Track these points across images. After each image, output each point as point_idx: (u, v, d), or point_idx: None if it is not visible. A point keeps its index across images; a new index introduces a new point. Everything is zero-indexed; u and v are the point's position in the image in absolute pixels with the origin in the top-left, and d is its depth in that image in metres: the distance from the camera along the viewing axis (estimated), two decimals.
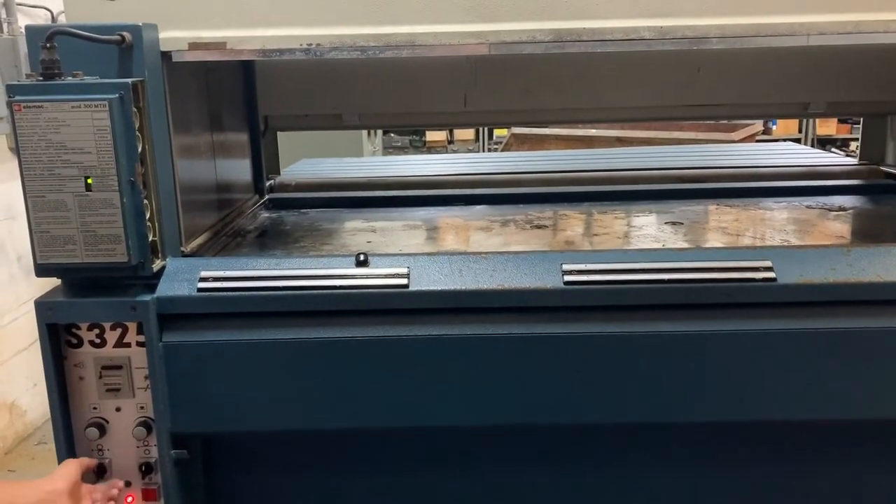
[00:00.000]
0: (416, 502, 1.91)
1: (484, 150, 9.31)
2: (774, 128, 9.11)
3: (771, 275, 1.67)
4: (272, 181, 2.71)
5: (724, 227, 2.29)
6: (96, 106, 1.53)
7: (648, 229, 2.30)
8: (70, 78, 1.57)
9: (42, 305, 1.67)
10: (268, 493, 1.90)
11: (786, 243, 2.05)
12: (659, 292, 1.68)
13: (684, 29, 1.70)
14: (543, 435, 1.86)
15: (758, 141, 6.48)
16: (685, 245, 2.06)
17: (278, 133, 2.86)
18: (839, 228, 2.25)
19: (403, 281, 1.69)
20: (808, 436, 1.85)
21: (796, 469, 1.86)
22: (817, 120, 9.00)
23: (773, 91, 2.59)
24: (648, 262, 1.72)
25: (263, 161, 2.60)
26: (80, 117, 1.54)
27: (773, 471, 1.86)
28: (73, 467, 1.63)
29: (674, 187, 2.63)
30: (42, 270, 1.64)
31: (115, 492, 1.70)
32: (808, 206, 2.46)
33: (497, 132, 9.22)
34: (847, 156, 3.39)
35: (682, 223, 2.29)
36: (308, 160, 3.49)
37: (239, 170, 2.46)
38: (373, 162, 4.30)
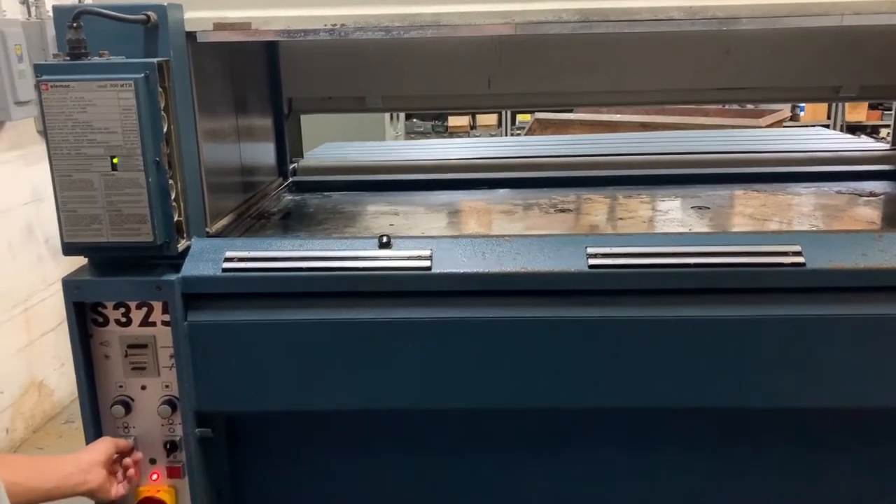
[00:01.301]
0: (435, 483, 1.91)
1: (506, 136, 9.25)
2: (802, 114, 8.97)
3: (800, 259, 1.64)
4: (296, 164, 2.72)
5: (751, 212, 2.25)
6: (122, 85, 1.54)
7: (674, 214, 2.27)
8: (96, 58, 1.58)
9: (69, 284, 1.69)
10: (290, 472, 1.92)
11: (815, 228, 2.02)
12: (685, 276, 1.66)
13: (714, 9, 1.67)
14: (565, 418, 1.85)
15: (785, 127, 6.38)
16: (712, 229, 2.03)
17: (301, 117, 2.85)
18: (870, 214, 2.21)
19: (426, 263, 1.69)
20: (837, 423, 1.82)
21: (824, 456, 1.84)
22: (847, 106, 8.84)
23: (804, 74, 2.54)
24: (674, 245, 1.70)
25: (287, 144, 2.60)
26: (107, 97, 1.55)
27: (801, 457, 1.84)
28: (109, 443, 1.68)
29: (700, 172, 2.59)
30: (69, 249, 1.66)
31: (128, 461, 1.73)
32: (837, 192, 2.42)
33: (520, 117, 9.16)
34: (878, 142, 3.32)
35: (709, 208, 2.26)
36: (331, 144, 3.48)
37: (263, 152, 2.47)
38: (395, 146, 4.30)
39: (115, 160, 1.58)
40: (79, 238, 1.63)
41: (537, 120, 6.14)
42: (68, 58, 1.57)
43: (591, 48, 2.49)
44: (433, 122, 9.47)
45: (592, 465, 1.88)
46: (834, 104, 8.83)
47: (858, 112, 9.05)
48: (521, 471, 1.89)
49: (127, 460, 1.72)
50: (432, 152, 3.20)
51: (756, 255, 1.66)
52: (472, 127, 9.56)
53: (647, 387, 1.70)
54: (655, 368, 1.69)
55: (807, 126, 7.85)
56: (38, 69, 1.56)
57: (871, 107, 8.98)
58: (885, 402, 1.69)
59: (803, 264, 1.64)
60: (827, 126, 8.69)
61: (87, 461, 1.61)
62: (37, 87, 1.56)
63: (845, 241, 1.69)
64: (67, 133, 1.57)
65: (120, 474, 1.71)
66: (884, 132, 8.27)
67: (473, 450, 1.89)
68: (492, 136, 9.27)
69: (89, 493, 1.63)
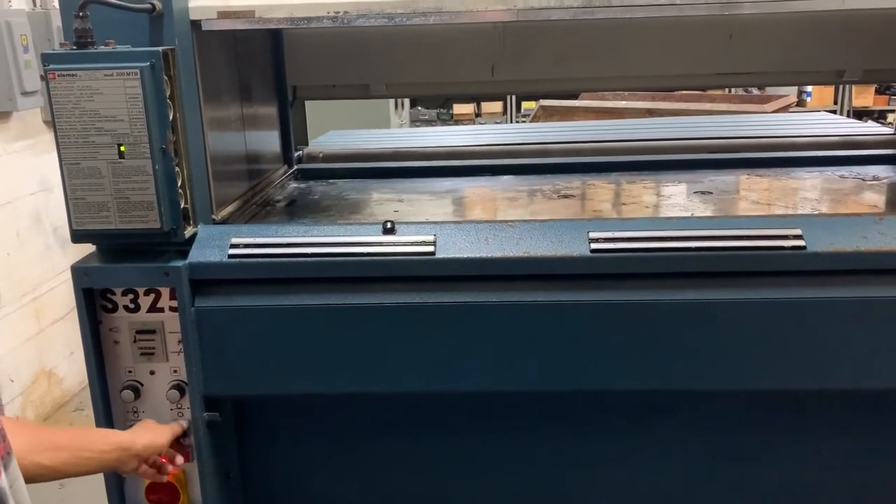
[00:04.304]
0: (439, 466, 1.94)
1: (511, 123, 9.24)
2: (809, 99, 8.92)
3: (801, 243, 1.65)
4: (300, 152, 2.73)
5: (754, 196, 2.26)
6: (128, 74, 1.56)
7: (677, 199, 2.28)
8: (102, 47, 1.59)
9: (78, 270, 1.71)
10: (298, 455, 1.95)
11: (817, 212, 2.02)
12: (687, 260, 1.67)
13: None
14: (567, 402, 1.87)
15: (791, 112, 6.35)
16: (714, 214, 2.04)
17: (306, 105, 2.86)
18: (873, 198, 2.21)
19: (430, 248, 1.71)
20: (838, 405, 1.84)
21: (824, 437, 1.86)
22: (854, 91, 8.78)
23: (808, 58, 2.53)
24: (676, 229, 1.71)
25: (292, 132, 2.61)
26: (113, 85, 1.56)
27: (801, 439, 1.86)
28: (166, 440, 1.69)
29: (704, 157, 2.59)
30: (77, 236, 1.68)
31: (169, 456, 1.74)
32: (841, 176, 2.42)
33: (525, 105, 9.14)
34: (884, 127, 3.31)
35: (712, 193, 2.27)
36: (336, 132, 3.50)
37: (268, 140, 2.48)
38: (400, 133, 4.30)
39: (122, 148, 1.60)
40: (87, 225, 1.65)
41: (542, 107, 6.13)
42: (75, 47, 1.58)
43: (595, 34, 2.49)
44: (438, 110, 9.47)
45: (593, 448, 1.90)
46: (840, 89, 8.77)
47: (865, 97, 8.99)
48: (521, 454, 1.91)
49: (179, 456, 1.74)
50: (437, 140, 3.21)
51: (757, 238, 1.67)
52: (478, 114, 9.56)
53: (650, 370, 1.72)
54: (657, 352, 1.70)
55: (812, 111, 7.81)
56: (46, 58, 1.58)
57: (878, 91, 8.93)
58: (887, 383, 1.71)
59: (804, 247, 1.65)
60: (834, 111, 8.64)
61: (134, 451, 1.60)
62: (44, 76, 1.57)
63: (846, 224, 1.70)
64: (75, 121, 1.59)
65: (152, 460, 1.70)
66: (891, 117, 8.23)
67: (478, 433, 1.91)
68: (497, 123, 9.25)
69: (120, 472, 1.67)
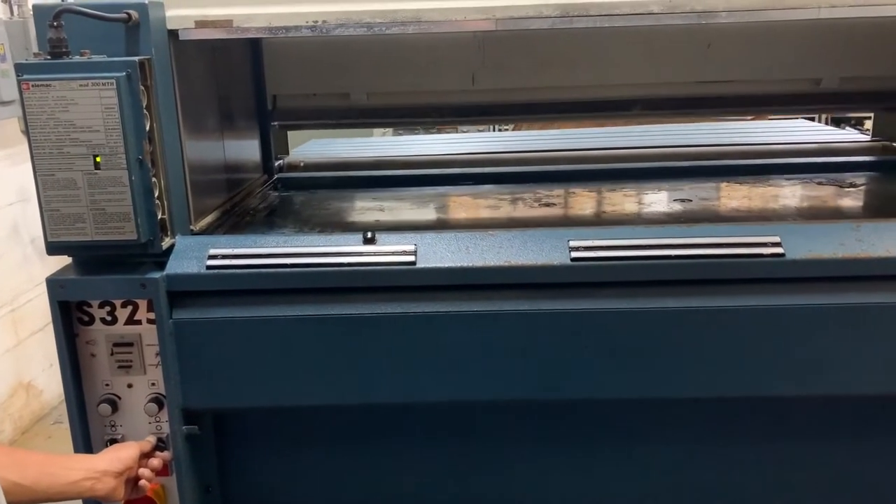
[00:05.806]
0: (422, 476, 1.93)
1: (494, 131, 9.24)
2: None
3: (779, 250, 1.66)
4: (281, 161, 2.72)
5: (734, 204, 2.27)
6: (104, 84, 1.54)
7: (657, 207, 2.29)
8: (77, 57, 1.57)
9: (53, 283, 1.69)
10: (279, 468, 1.93)
11: (795, 219, 2.04)
12: (666, 268, 1.68)
13: (693, 2, 1.68)
14: (549, 410, 1.87)
15: (770, 119, 6.40)
16: (694, 222, 2.05)
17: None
18: (850, 205, 2.23)
19: (411, 258, 1.70)
20: (817, 411, 1.84)
21: (804, 444, 1.87)
22: None
23: (785, 67, 2.56)
24: (655, 238, 1.71)
25: (272, 141, 2.60)
26: (88, 95, 1.54)
27: (782, 446, 1.87)
28: (131, 453, 1.64)
29: (684, 165, 2.61)
30: (53, 248, 1.66)
31: (148, 471, 1.69)
32: (819, 183, 2.44)
33: None
34: (861, 133, 3.34)
35: (692, 200, 2.28)
36: (317, 140, 3.49)
37: (248, 150, 2.47)
38: (382, 142, 4.29)
39: (97, 159, 1.58)
40: (63, 237, 1.63)
41: None
42: (49, 57, 1.56)
43: (575, 44, 2.50)
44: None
45: (573, 455, 1.89)
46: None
47: None
48: (503, 462, 1.90)
49: (147, 469, 1.68)
50: (418, 148, 3.21)
51: (736, 246, 1.68)
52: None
53: (630, 378, 1.72)
54: (638, 360, 1.70)
55: (791, 118, 7.86)
56: (20, 69, 1.56)
57: None
58: (864, 389, 1.72)
59: (783, 255, 1.66)
60: (812, 118, 8.70)
61: (99, 469, 1.56)
62: (18, 86, 1.55)
63: (823, 231, 1.71)
64: (49, 132, 1.57)
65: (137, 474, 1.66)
66: (868, 124, 8.30)
67: (458, 442, 1.90)
68: (479, 131, 9.25)
69: (94, 498, 1.60)
